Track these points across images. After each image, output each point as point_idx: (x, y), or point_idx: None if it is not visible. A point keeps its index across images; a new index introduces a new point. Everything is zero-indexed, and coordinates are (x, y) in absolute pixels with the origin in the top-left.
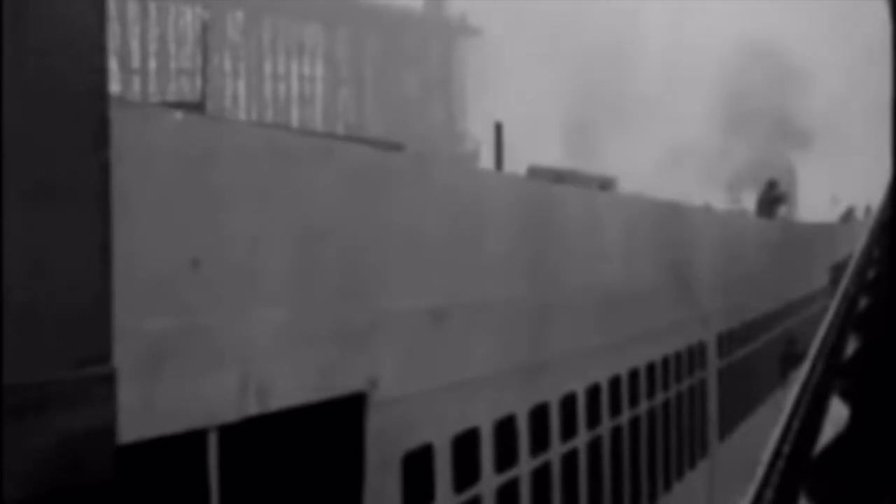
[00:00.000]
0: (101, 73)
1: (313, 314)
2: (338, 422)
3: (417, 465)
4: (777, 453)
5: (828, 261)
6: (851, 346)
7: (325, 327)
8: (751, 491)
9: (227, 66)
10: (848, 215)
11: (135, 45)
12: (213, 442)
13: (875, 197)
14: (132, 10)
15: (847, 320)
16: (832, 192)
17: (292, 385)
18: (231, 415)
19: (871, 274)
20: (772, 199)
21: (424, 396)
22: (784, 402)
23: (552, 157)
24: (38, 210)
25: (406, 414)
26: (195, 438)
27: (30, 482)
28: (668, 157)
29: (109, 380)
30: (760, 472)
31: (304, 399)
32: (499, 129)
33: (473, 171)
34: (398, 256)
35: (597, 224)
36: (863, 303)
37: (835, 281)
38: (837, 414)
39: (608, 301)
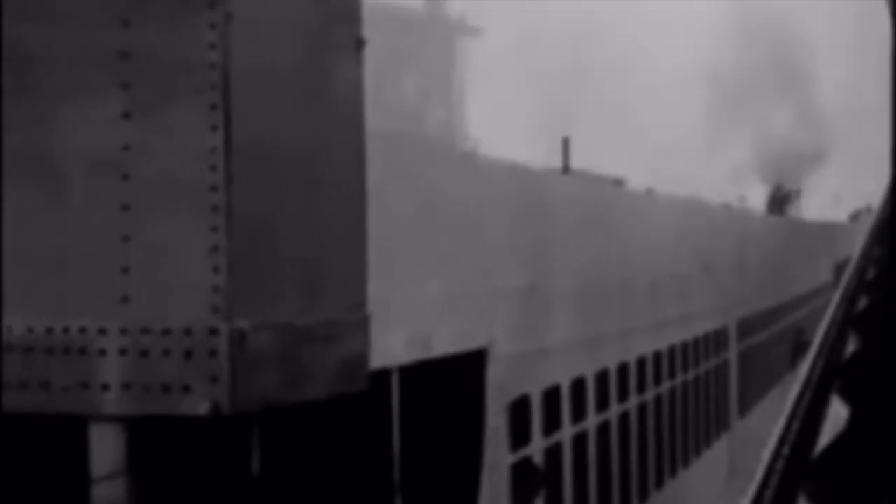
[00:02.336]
0: None
1: (455, 288)
2: (469, 371)
3: (519, 411)
4: (777, 454)
5: (833, 258)
6: (851, 346)
7: (462, 298)
8: (751, 491)
9: None
10: (857, 215)
11: None
12: (395, 378)
13: (876, 197)
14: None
15: (847, 319)
16: (834, 190)
17: (443, 339)
18: (407, 358)
19: (871, 273)
20: (781, 198)
21: (523, 356)
22: (791, 387)
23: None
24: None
25: (512, 369)
26: (384, 375)
27: (325, 386)
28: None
29: (365, 321)
30: (760, 472)
31: (449, 350)
32: (566, 143)
33: (547, 176)
34: (509, 247)
35: (646, 222)
36: (863, 302)
37: (839, 277)
38: (837, 414)
39: (653, 287)
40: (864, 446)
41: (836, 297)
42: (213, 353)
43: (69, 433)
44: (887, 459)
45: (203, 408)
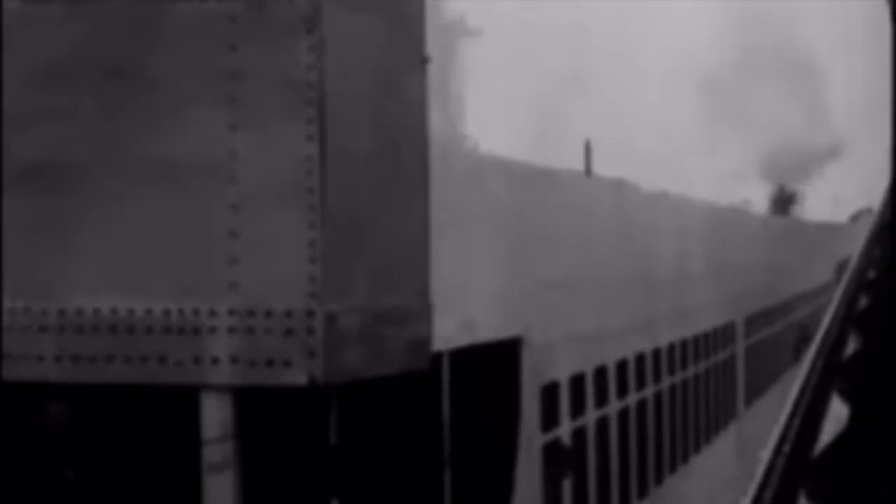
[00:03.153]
0: None
1: (495, 282)
2: (506, 356)
3: (549, 395)
4: (777, 452)
5: (834, 257)
6: (851, 345)
7: (500, 291)
8: (751, 490)
9: None
10: (857, 216)
11: None
12: (446, 360)
13: (876, 197)
14: None
15: (847, 319)
16: (834, 192)
17: (486, 326)
18: (456, 342)
19: (871, 273)
20: (785, 199)
21: (553, 344)
22: (792, 385)
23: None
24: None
25: (543, 356)
26: (437, 357)
27: (396, 363)
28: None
29: (429, 308)
30: (760, 471)
31: (490, 336)
32: (588, 147)
33: (579, 180)
34: (540, 244)
35: (669, 223)
36: (863, 302)
37: (840, 276)
38: (837, 413)
39: (671, 281)
40: (864, 445)
41: (837, 296)
42: (309, 331)
43: (183, 402)
44: (888, 458)
45: (301, 379)
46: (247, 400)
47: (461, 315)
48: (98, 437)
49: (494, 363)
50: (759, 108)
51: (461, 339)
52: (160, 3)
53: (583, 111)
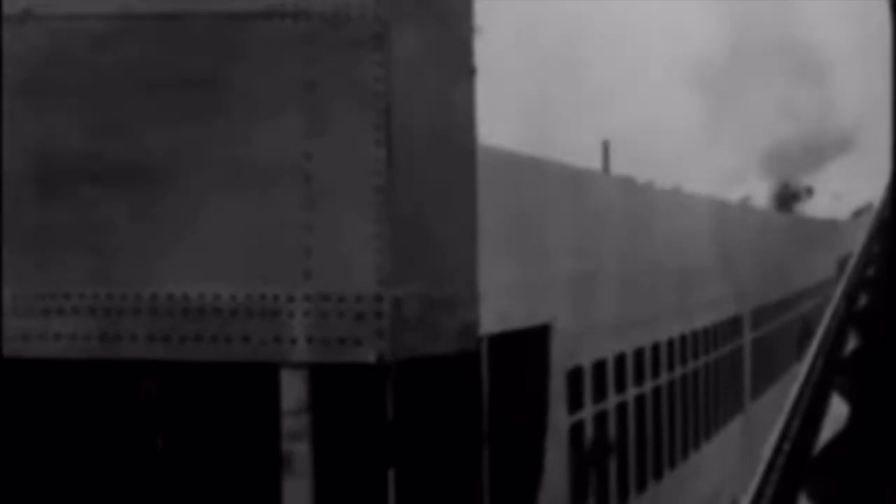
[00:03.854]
0: None
1: (527, 275)
2: (536, 342)
3: (575, 380)
4: (777, 451)
5: (836, 253)
6: (851, 344)
7: (533, 282)
8: (751, 488)
9: None
10: (859, 213)
11: None
12: (485, 345)
13: (876, 195)
14: None
15: (847, 317)
16: (835, 188)
17: (518, 315)
18: (493, 328)
19: (870, 272)
20: (789, 195)
21: (578, 332)
22: (793, 382)
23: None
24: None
25: (569, 343)
26: (477, 342)
27: (450, 344)
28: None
29: (476, 296)
30: (761, 469)
31: (522, 324)
32: (606, 146)
33: (602, 180)
34: (566, 241)
35: (681, 219)
36: (862, 300)
37: (842, 271)
38: (837, 412)
39: (684, 276)
40: (864, 443)
41: (836, 294)
42: (378, 314)
43: (264, 377)
44: (887, 457)
45: (371, 356)
46: (320, 376)
47: (497, 304)
48: (186, 408)
49: (526, 348)
50: (759, 103)
51: (497, 326)
52: (244, 21)
53: (583, 111)
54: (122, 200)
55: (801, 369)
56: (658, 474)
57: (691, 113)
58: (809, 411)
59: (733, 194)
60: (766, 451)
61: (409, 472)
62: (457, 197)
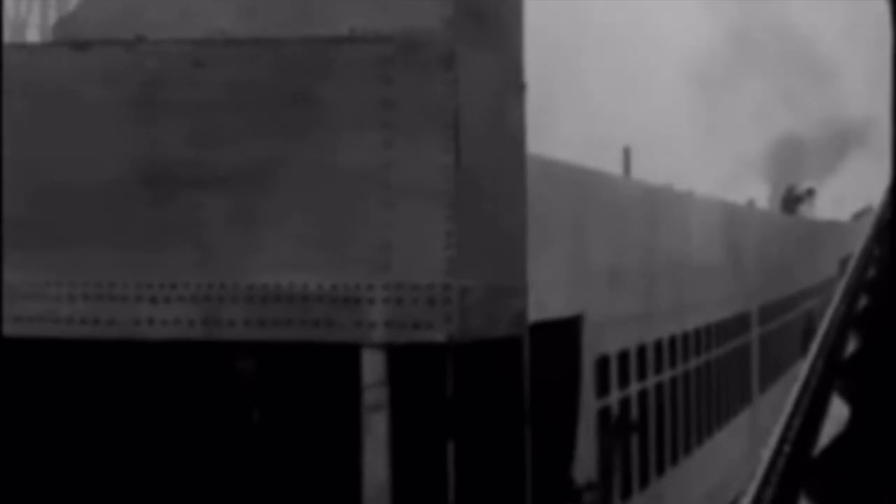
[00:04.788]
0: None
1: (563, 268)
2: (570, 331)
3: (602, 367)
4: (777, 452)
5: (837, 254)
6: (852, 345)
7: (567, 275)
8: (751, 490)
9: None
10: (860, 214)
11: None
12: (526, 332)
13: (876, 196)
14: None
15: (847, 319)
16: (837, 189)
17: (555, 306)
18: (534, 317)
19: (871, 273)
20: (793, 199)
21: (605, 323)
22: (798, 376)
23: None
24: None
25: (598, 333)
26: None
27: (505, 329)
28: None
29: (525, 287)
30: (760, 471)
31: (558, 314)
32: (627, 153)
33: (628, 185)
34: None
35: (696, 221)
36: (863, 302)
37: (843, 271)
38: (837, 413)
39: (698, 274)
40: (865, 445)
41: (837, 296)
42: (447, 301)
43: (347, 356)
44: (887, 458)
45: (441, 337)
46: (396, 356)
47: (536, 296)
48: (279, 384)
49: (561, 337)
50: (758, 104)
51: (537, 315)
52: (330, 46)
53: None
54: (223, 203)
55: (802, 371)
56: (675, 459)
57: (691, 114)
58: (810, 413)
59: (731, 196)
60: (766, 453)
61: (464, 445)
62: (509, 200)
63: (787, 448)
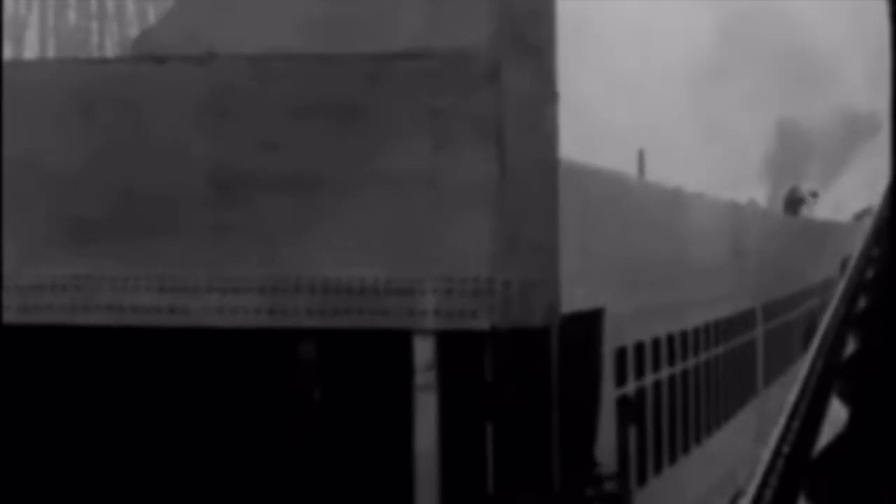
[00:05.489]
0: None
1: (585, 264)
2: (592, 323)
3: (620, 358)
4: (777, 453)
5: (839, 254)
6: (851, 346)
7: (590, 271)
8: (751, 491)
9: None
10: (861, 215)
11: None
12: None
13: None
14: (130, 9)
15: (847, 319)
16: (839, 190)
17: (579, 299)
18: (564, 310)
19: (870, 273)
20: (796, 200)
21: (622, 317)
22: (797, 376)
23: None
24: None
25: (616, 325)
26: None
27: (541, 318)
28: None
29: (557, 280)
30: (760, 471)
31: (582, 306)
32: (641, 155)
33: (649, 187)
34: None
35: (706, 221)
36: (862, 302)
37: (845, 271)
38: (837, 414)
39: (708, 272)
40: (864, 446)
41: (836, 296)
42: (490, 292)
43: (400, 341)
44: (887, 459)
45: (485, 325)
46: (443, 341)
47: (564, 289)
48: (338, 367)
49: (584, 329)
50: (759, 104)
51: (563, 308)
52: (384, 61)
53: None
54: (286, 204)
55: (800, 372)
56: (686, 448)
57: (691, 114)
58: (808, 414)
59: (730, 196)
60: (766, 454)
61: (500, 425)
62: (543, 201)
63: (786, 449)
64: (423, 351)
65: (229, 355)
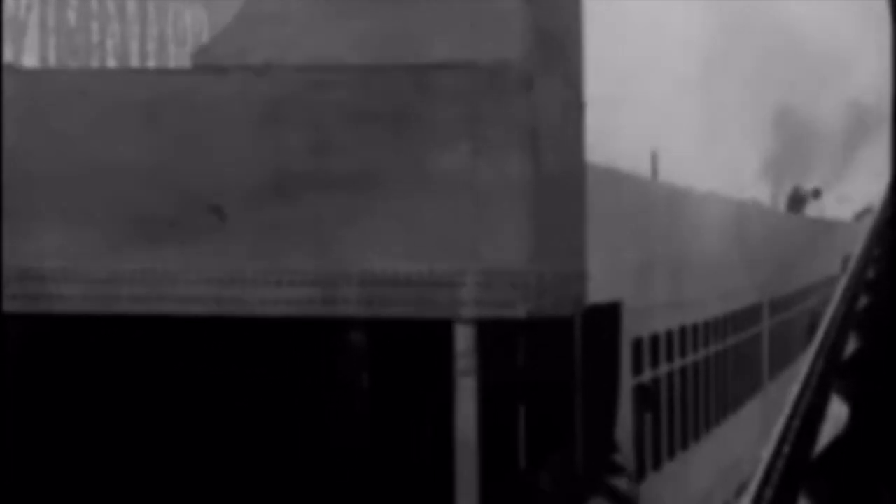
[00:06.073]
0: None
1: (606, 260)
2: (611, 315)
3: (636, 349)
4: (777, 453)
5: (840, 252)
6: (851, 346)
7: (610, 266)
8: (751, 491)
9: None
10: (861, 214)
11: (133, 45)
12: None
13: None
14: (131, 8)
15: (847, 319)
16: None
17: (600, 292)
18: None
19: (871, 273)
20: (799, 199)
21: (638, 310)
22: (798, 374)
23: None
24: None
25: (633, 317)
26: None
27: (570, 308)
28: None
29: (585, 273)
30: (760, 471)
31: (602, 299)
32: (654, 157)
33: (685, 195)
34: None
35: (716, 219)
36: (863, 302)
37: (846, 269)
38: (837, 414)
39: (718, 267)
40: (864, 445)
41: (836, 296)
42: (526, 284)
43: (443, 329)
44: (887, 459)
45: (521, 314)
46: (481, 329)
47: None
48: (385, 353)
49: (604, 320)
50: (759, 105)
51: (591, 299)
52: (428, 71)
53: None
54: (338, 203)
55: (801, 371)
56: (696, 435)
57: (690, 114)
58: (809, 413)
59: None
60: (766, 453)
61: (531, 409)
62: (572, 200)
63: (786, 448)
64: (464, 338)
65: (284, 344)
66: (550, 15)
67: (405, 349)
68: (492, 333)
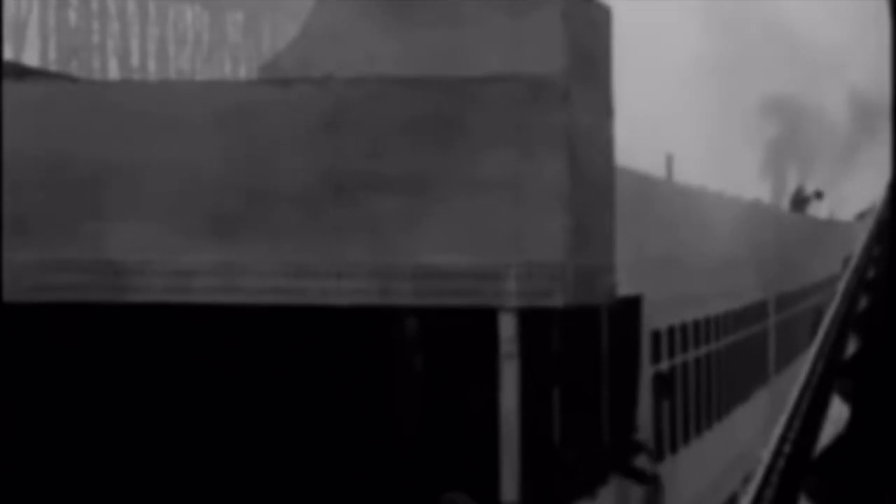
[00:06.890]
0: None
1: (626, 256)
2: (633, 308)
3: (654, 340)
4: (777, 453)
5: (841, 252)
6: (851, 346)
7: (631, 262)
8: (751, 491)
9: (227, 67)
10: (862, 215)
11: (134, 44)
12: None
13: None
14: (131, 9)
15: (847, 319)
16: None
17: (623, 286)
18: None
19: (870, 273)
20: (801, 199)
21: (656, 304)
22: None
23: None
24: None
25: (651, 311)
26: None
27: (603, 297)
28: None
29: (613, 266)
30: (760, 471)
31: (625, 293)
32: (669, 160)
33: (695, 192)
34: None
35: (726, 217)
36: (863, 302)
37: (846, 269)
38: (837, 414)
39: (728, 264)
40: (864, 446)
41: (837, 295)
42: (563, 276)
43: (487, 319)
44: (887, 459)
45: (560, 303)
46: (523, 317)
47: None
48: (436, 338)
49: (627, 312)
50: (758, 105)
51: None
52: (474, 84)
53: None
54: (393, 203)
55: (802, 371)
56: (709, 424)
57: (692, 113)
58: (810, 413)
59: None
60: (766, 453)
61: (563, 392)
62: (602, 200)
63: (787, 448)
64: (508, 325)
65: (345, 332)
66: (585, 30)
67: (454, 335)
68: (530, 322)
